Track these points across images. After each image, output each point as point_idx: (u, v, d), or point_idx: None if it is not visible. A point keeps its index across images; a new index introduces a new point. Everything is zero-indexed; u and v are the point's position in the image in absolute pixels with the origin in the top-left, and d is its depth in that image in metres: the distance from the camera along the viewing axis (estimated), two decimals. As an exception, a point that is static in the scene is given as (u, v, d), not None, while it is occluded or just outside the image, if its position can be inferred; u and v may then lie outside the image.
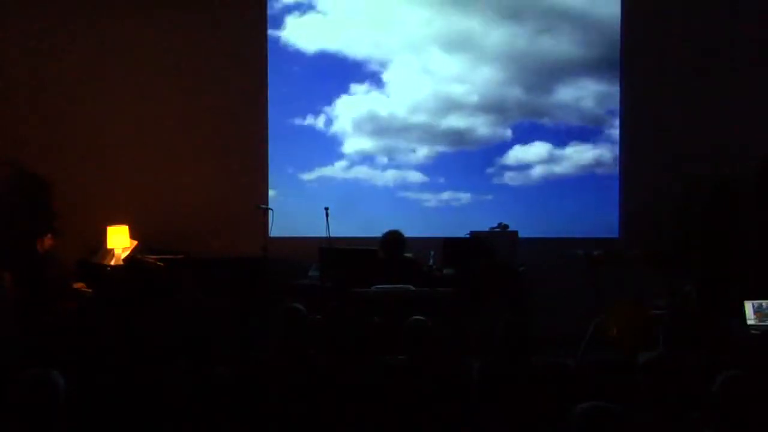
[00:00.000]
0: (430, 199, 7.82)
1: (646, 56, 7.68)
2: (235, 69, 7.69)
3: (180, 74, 7.65)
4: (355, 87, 7.84)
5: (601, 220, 7.69)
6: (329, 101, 7.84)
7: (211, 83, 7.66)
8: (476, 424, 3.65)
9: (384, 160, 7.91)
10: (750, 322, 5.83)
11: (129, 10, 7.60)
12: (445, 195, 7.84)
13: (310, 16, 7.83)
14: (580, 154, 7.87)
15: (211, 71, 7.66)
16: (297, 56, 7.83)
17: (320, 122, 7.85)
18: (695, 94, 7.55)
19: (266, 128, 7.77)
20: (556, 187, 7.83)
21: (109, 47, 7.61)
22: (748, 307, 5.88)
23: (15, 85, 7.55)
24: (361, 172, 7.88)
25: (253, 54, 7.70)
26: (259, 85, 7.72)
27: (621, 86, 7.77)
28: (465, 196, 7.82)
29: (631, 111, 7.75)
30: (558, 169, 7.87)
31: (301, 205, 7.62)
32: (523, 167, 7.86)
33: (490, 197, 7.82)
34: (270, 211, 6.74)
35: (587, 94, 7.88)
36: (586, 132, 7.89)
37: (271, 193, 7.72)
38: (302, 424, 3.63)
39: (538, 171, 7.87)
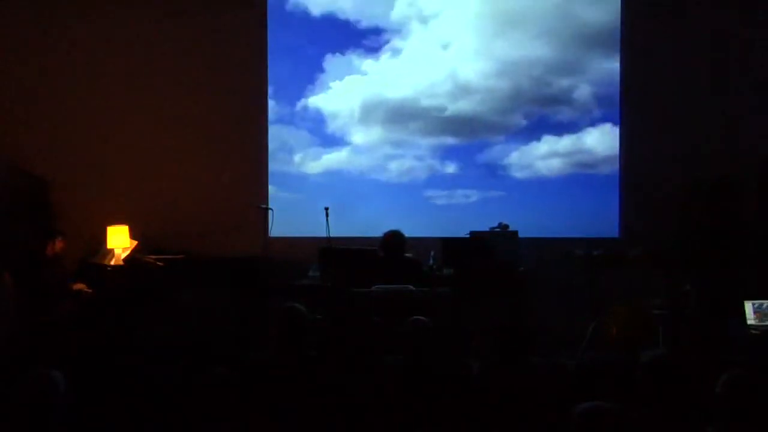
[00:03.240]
0: (432, 197, 7.83)
1: (646, 56, 7.68)
2: (234, 68, 7.69)
3: (179, 73, 7.65)
4: (361, 65, 7.86)
5: (601, 220, 7.69)
6: (330, 93, 7.86)
7: (210, 82, 7.65)
8: (476, 425, 3.65)
9: (386, 152, 7.91)
10: (750, 322, 5.83)
11: (128, 9, 7.60)
12: (447, 193, 7.85)
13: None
14: (580, 154, 7.88)
15: (211, 70, 7.66)
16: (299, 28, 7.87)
17: (322, 112, 7.88)
18: (696, 94, 7.55)
19: (266, 127, 7.77)
20: (556, 186, 7.84)
21: (108, 46, 7.62)
22: (748, 307, 5.88)
23: (15, 85, 7.56)
24: (364, 165, 7.89)
25: (254, 53, 7.70)
26: (259, 83, 7.72)
27: (621, 86, 7.77)
28: (466, 195, 7.83)
29: (631, 110, 7.75)
30: (558, 168, 7.88)
31: (301, 204, 7.62)
32: (524, 167, 7.88)
33: (492, 195, 7.84)
34: (270, 211, 6.74)
35: (588, 93, 7.90)
36: (586, 132, 7.90)
37: (271, 191, 7.72)
38: (302, 424, 3.63)
39: (538, 170, 7.89)
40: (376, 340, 4.28)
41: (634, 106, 7.74)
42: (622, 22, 7.72)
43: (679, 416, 3.17)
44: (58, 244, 6.37)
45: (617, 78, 7.77)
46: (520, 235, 6.87)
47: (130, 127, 7.58)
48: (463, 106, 7.88)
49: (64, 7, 7.59)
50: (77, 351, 4.44)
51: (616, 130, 7.80)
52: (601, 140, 7.85)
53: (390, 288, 5.75)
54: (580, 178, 7.85)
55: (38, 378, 3.13)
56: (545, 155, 7.87)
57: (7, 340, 4.97)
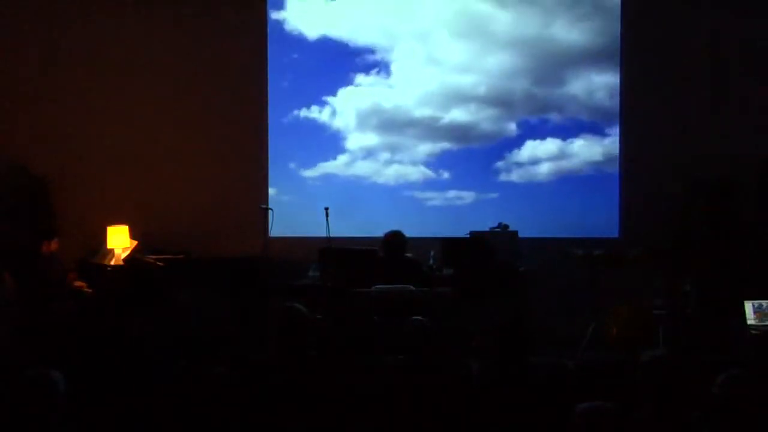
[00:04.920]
0: (431, 198, 7.83)
1: (647, 56, 7.68)
2: (235, 68, 7.70)
3: (179, 73, 7.66)
4: (358, 78, 7.88)
5: (601, 220, 7.69)
6: (332, 94, 7.87)
7: (210, 82, 7.66)
8: (476, 425, 3.65)
9: (386, 156, 7.92)
10: (750, 322, 5.84)
11: (129, 9, 7.61)
12: (447, 194, 7.85)
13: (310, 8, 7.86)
14: (580, 154, 7.88)
15: (211, 70, 7.66)
16: (298, 44, 7.87)
17: (322, 116, 7.89)
18: (696, 94, 7.55)
19: (267, 127, 7.77)
20: (555, 187, 7.84)
21: (108, 47, 7.62)
22: (748, 307, 5.89)
23: (15, 85, 7.56)
24: (363, 168, 7.90)
25: (254, 53, 7.71)
26: (259, 84, 7.73)
27: (621, 86, 7.77)
28: (467, 195, 7.83)
29: (631, 110, 7.75)
30: (558, 168, 7.89)
31: (301, 205, 7.62)
32: (524, 167, 7.89)
33: (492, 196, 7.84)
34: (270, 211, 6.74)
35: (588, 93, 7.90)
36: (586, 132, 7.90)
37: (271, 192, 7.72)
38: (302, 424, 3.63)
39: (538, 171, 7.89)
40: (376, 340, 4.28)
41: (634, 106, 7.74)
42: (622, 24, 7.71)
43: (679, 416, 3.17)
44: (54, 244, 6.38)
45: (618, 78, 7.77)
46: (520, 235, 6.87)
47: (130, 127, 7.58)
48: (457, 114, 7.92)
49: (64, 8, 7.59)
50: (77, 351, 4.44)
51: (617, 130, 7.80)
52: (601, 140, 7.85)
53: (390, 288, 5.74)
54: (579, 178, 7.85)
55: (38, 378, 3.13)
56: (545, 156, 7.89)
57: (7, 340, 4.97)
